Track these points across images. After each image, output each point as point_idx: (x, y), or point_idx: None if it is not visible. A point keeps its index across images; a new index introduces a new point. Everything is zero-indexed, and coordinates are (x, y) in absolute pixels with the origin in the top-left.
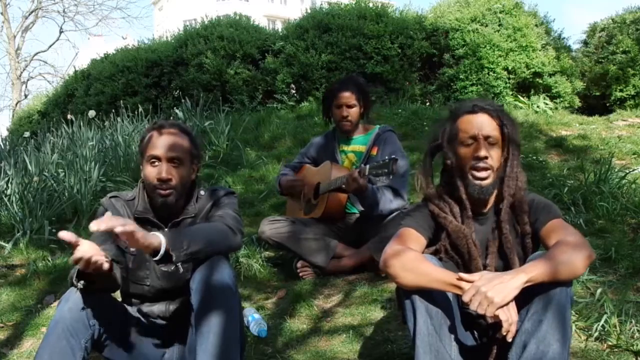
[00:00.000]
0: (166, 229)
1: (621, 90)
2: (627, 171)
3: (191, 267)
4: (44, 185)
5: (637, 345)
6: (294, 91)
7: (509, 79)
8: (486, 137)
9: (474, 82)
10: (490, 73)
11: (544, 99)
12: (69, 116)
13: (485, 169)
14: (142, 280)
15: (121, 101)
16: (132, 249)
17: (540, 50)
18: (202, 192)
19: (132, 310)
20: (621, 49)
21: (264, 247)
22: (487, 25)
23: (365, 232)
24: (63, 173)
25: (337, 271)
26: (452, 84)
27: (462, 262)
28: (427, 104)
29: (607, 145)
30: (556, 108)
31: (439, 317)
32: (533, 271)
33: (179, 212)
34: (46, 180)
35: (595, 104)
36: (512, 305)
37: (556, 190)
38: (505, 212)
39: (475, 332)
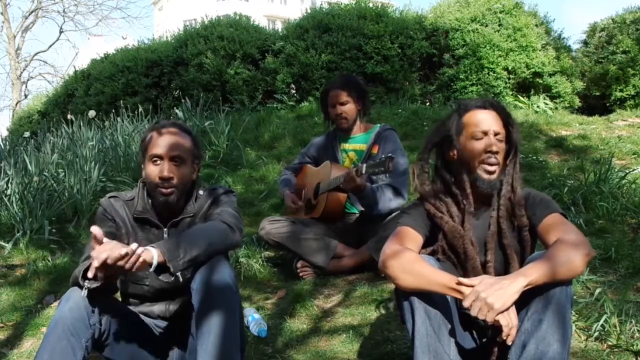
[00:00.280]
0: (164, 233)
1: (621, 90)
2: (627, 171)
3: (192, 269)
4: (44, 185)
5: (637, 345)
6: (294, 91)
7: (509, 79)
8: (496, 134)
9: (474, 82)
10: (490, 73)
11: (544, 99)
12: (69, 116)
13: (495, 163)
14: (141, 280)
15: (121, 101)
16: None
17: (540, 50)
18: (201, 192)
19: (132, 310)
20: (621, 49)
21: (264, 247)
22: (487, 25)
23: (365, 232)
24: (63, 173)
25: (337, 271)
26: (452, 84)
27: (459, 262)
28: (427, 104)
29: (607, 145)
30: (556, 108)
31: (438, 318)
32: (533, 274)
33: (178, 211)
34: (46, 180)
35: (595, 104)
36: (512, 309)
37: (556, 190)
38: (504, 207)
39: (474, 333)
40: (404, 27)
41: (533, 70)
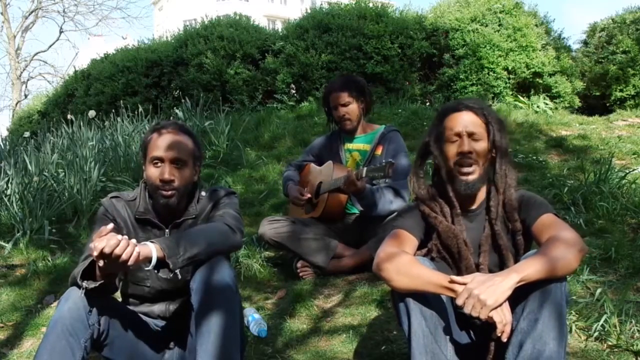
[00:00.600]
0: (165, 234)
1: (621, 90)
2: (627, 171)
3: (191, 268)
4: (44, 185)
5: (637, 345)
6: (294, 91)
7: (509, 79)
8: (470, 134)
9: (474, 82)
10: (490, 73)
11: (544, 99)
12: (69, 116)
13: (470, 164)
14: (142, 281)
15: (121, 101)
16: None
17: (540, 50)
18: (202, 193)
19: (132, 310)
20: (621, 49)
21: (264, 247)
22: (487, 25)
23: (365, 232)
24: (63, 173)
25: (337, 271)
26: (452, 84)
27: (454, 261)
28: (427, 104)
29: (607, 145)
30: (556, 108)
31: (434, 319)
32: (525, 270)
33: (180, 213)
34: (46, 180)
35: (595, 104)
36: (506, 305)
37: (556, 190)
38: (496, 210)
39: (471, 332)
40: (404, 27)
41: (533, 70)
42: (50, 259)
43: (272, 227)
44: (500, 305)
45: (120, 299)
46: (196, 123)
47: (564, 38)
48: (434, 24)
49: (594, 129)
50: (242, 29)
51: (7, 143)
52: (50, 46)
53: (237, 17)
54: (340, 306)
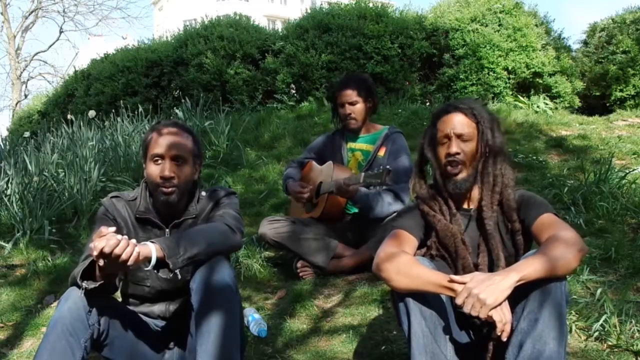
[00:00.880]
0: (165, 234)
1: (621, 90)
2: (627, 171)
3: (191, 268)
4: (44, 185)
5: (637, 345)
6: (294, 91)
7: (509, 79)
8: (459, 135)
9: (474, 82)
10: (490, 73)
11: (544, 99)
12: (69, 116)
13: (457, 164)
14: (142, 281)
15: (121, 101)
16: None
17: (540, 50)
18: (203, 193)
19: (132, 310)
20: (621, 49)
21: (264, 247)
22: (487, 25)
23: (365, 232)
24: (63, 173)
25: (337, 271)
26: (452, 84)
27: (452, 260)
28: (427, 104)
29: (607, 145)
30: (556, 108)
31: (434, 319)
32: (525, 269)
33: (180, 212)
34: (46, 180)
35: (595, 104)
36: (505, 304)
37: (556, 190)
38: (489, 209)
39: (471, 332)
40: (404, 27)
41: (533, 70)
42: (50, 259)
43: (272, 227)
44: (500, 304)
45: (120, 299)
46: (196, 123)
47: (564, 38)
48: (434, 24)
49: (594, 129)
50: (242, 29)
51: (7, 143)
52: (50, 46)
53: (237, 17)
54: (340, 306)
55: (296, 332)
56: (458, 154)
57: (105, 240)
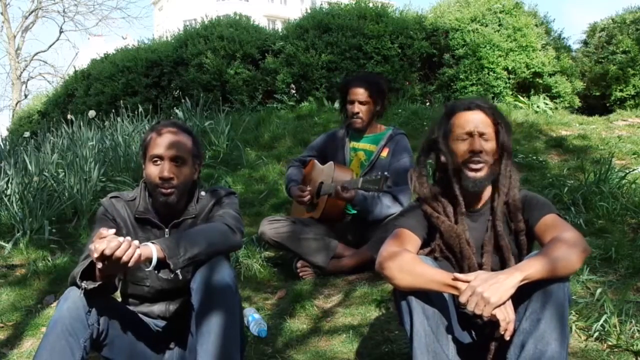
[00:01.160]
0: (165, 234)
1: (621, 90)
2: (627, 171)
3: (192, 268)
4: (44, 185)
5: (637, 345)
6: (294, 91)
7: (509, 79)
8: (481, 134)
9: (474, 82)
10: (490, 73)
11: (544, 99)
12: (69, 116)
13: (479, 162)
14: (142, 281)
15: (121, 101)
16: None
17: (540, 50)
18: (202, 193)
19: (132, 310)
20: (621, 49)
21: (264, 247)
22: (487, 25)
23: (365, 232)
24: (63, 173)
25: (337, 271)
26: (452, 84)
27: (456, 261)
28: (427, 104)
29: (607, 145)
30: (556, 108)
31: (436, 318)
32: (529, 269)
33: (180, 212)
34: (46, 180)
35: (595, 104)
36: (509, 303)
37: (556, 190)
38: (500, 211)
39: (473, 331)
40: (404, 27)
41: (533, 70)
42: (50, 259)
43: (272, 227)
44: (504, 303)
45: (120, 299)
46: (196, 123)
47: (564, 38)
48: (434, 24)
49: (594, 129)
50: (242, 29)
51: (7, 143)
52: (50, 46)
53: (237, 17)
54: (340, 306)
55: (296, 332)
56: (481, 152)
57: (106, 242)
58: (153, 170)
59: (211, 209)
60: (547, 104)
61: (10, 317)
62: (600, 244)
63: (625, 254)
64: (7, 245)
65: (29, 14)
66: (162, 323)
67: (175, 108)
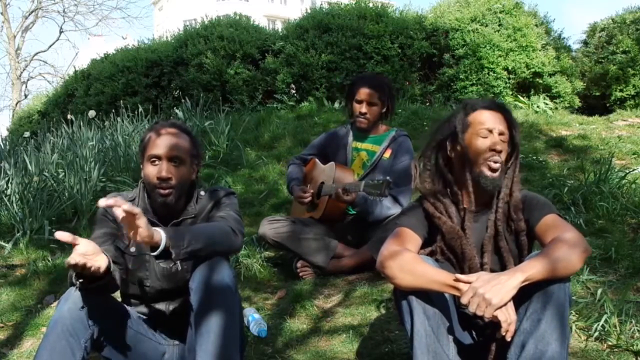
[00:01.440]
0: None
1: (621, 90)
2: (627, 171)
3: (191, 266)
4: (44, 185)
5: (637, 345)
6: (294, 91)
7: (509, 79)
8: (500, 133)
9: (474, 82)
10: (490, 73)
11: (544, 99)
12: (69, 116)
13: (499, 162)
14: (142, 281)
15: (121, 101)
16: (132, 249)
17: (540, 50)
18: (202, 193)
19: (131, 310)
20: (621, 49)
21: (264, 247)
22: (487, 25)
23: (365, 231)
24: (63, 173)
25: (337, 271)
26: (452, 84)
27: (458, 262)
28: (427, 104)
29: (607, 145)
30: (556, 108)
31: (437, 318)
32: (530, 270)
33: (179, 212)
34: (46, 180)
35: (595, 104)
36: (510, 304)
37: (556, 190)
38: (501, 211)
39: (473, 332)
40: (404, 27)
41: (533, 70)
42: (50, 259)
43: (272, 227)
44: (506, 304)
45: (120, 299)
46: (196, 123)
47: (564, 38)
48: (434, 24)
49: (594, 129)
50: (242, 29)
51: (7, 143)
52: (50, 46)
53: (237, 17)
54: (340, 306)
55: (296, 332)
56: (501, 151)
57: (77, 254)
58: (151, 171)
59: (211, 209)
60: (547, 104)
61: (10, 317)
62: (600, 244)
63: (625, 254)
64: (7, 245)
65: (29, 14)
66: (162, 323)
67: (175, 108)
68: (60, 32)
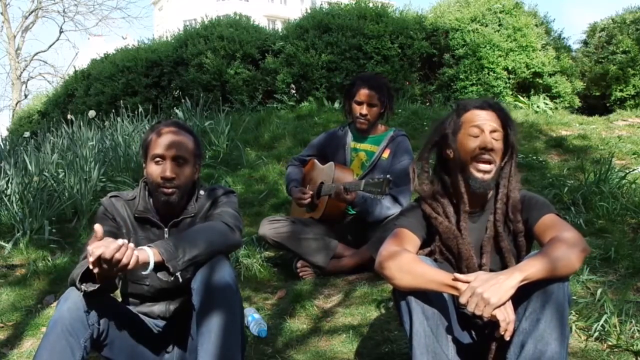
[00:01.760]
0: (164, 233)
1: (621, 90)
2: (627, 171)
3: (192, 268)
4: (44, 185)
5: (637, 345)
6: (294, 91)
7: (509, 79)
8: (492, 131)
9: (474, 82)
10: (490, 73)
11: (544, 99)
12: (69, 116)
13: (489, 161)
14: (142, 281)
15: (121, 101)
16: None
17: (540, 50)
18: (202, 192)
19: (132, 310)
20: (621, 49)
21: (264, 247)
22: (487, 25)
23: (365, 231)
24: (63, 173)
25: (337, 271)
26: (452, 84)
27: (456, 262)
28: (427, 104)
29: (607, 145)
30: (556, 108)
31: (436, 318)
32: (528, 269)
33: (179, 211)
34: (46, 180)
35: (595, 104)
36: (509, 304)
37: (556, 190)
38: (500, 212)
39: (473, 332)
40: (404, 27)
41: (533, 70)
42: (50, 259)
43: (272, 227)
44: (504, 303)
45: (120, 299)
46: (196, 123)
47: (564, 38)
48: (434, 24)
49: (594, 129)
50: (242, 29)
51: (7, 143)
52: (50, 46)
53: (237, 17)
54: (340, 306)
55: (296, 332)
56: (492, 150)
57: (104, 246)
58: (155, 170)
59: (209, 207)
60: (547, 104)
61: (10, 317)
62: (600, 244)
63: (625, 254)
64: (7, 245)
65: (29, 14)
66: (162, 323)
67: (175, 108)
68: (60, 32)
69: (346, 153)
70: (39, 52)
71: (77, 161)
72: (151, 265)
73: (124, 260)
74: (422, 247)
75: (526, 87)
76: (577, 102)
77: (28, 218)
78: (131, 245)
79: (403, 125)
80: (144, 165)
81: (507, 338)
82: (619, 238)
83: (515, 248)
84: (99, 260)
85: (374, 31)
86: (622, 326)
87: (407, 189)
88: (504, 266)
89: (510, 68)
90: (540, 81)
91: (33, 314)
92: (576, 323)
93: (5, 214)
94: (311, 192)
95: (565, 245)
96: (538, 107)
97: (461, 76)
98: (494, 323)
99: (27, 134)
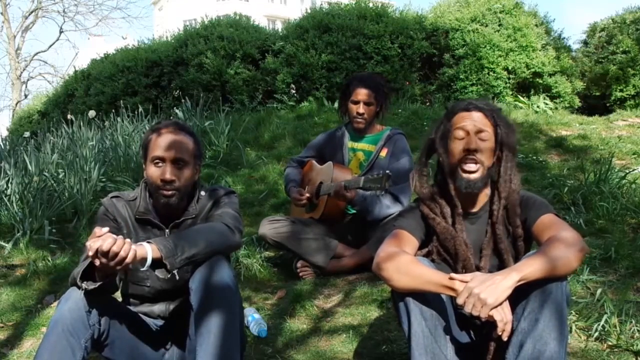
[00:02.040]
0: (165, 234)
1: (621, 90)
2: (627, 171)
3: (191, 268)
4: (44, 185)
5: (637, 345)
6: (294, 91)
7: (509, 79)
8: (478, 132)
9: (474, 82)
10: (490, 73)
11: (544, 99)
12: (69, 116)
13: (475, 161)
14: (142, 281)
15: (121, 101)
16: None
17: (540, 50)
18: (202, 193)
19: (132, 310)
20: (621, 49)
21: (264, 247)
22: (487, 25)
23: (365, 231)
24: (63, 173)
25: (337, 271)
26: (452, 84)
27: (454, 263)
28: (427, 104)
29: (607, 145)
30: (556, 108)
31: (434, 319)
32: (526, 269)
33: (180, 212)
34: (46, 180)
35: (595, 104)
36: (506, 304)
37: (556, 190)
38: (498, 214)
39: (471, 332)
40: (404, 27)
41: (533, 70)
42: (50, 259)
43: (272, 227)
44: (501, 304)
45: (120, 299)
46: (196, 123)
47: (564, 38)
48: (434, 24)
49: (594, 129)
50: (242, 29)
51: (7, 143)
52: (50, 46)
53: (237, 17)
54: (340, 306)
55: (296, 332)
56: (476, 151)
57: (101, 240)
58: (154, 172)
59: (210, 208)
60: (547, 104)
61: (10, 317)
62: (600, 244)
63: (625, 254)
64: (7, 245)
65: (29, 14)
66: (162, 323)
67: (175, 108)
68: (60, 32)
69: (344, 153)
70: (39, 52)
71: (77, 161)
72: (149, 261)
73: (122, 254)
74: (421, 248)
75: (526, 87)
76: (577, 102)
77: (28, 218)
78: (127, 240)
79: (403, 126)
80: (144, 166)
81: (505, 338)
82: (619, 238)
83: (514, 251)
84: (97, 254)
85: (374, 31)
86: (622, 326)
87: (407, 187)
88: (502, 267)
89: (510, 68)
90: (540, 81)
91: (33, 314)
92: (576, 323)
93: (5, 214)
94: (307, 195)
95: (563, 244)
96: (538, 107)
97: (461, 76)
98: (491, 323)
99: (27, 134)
